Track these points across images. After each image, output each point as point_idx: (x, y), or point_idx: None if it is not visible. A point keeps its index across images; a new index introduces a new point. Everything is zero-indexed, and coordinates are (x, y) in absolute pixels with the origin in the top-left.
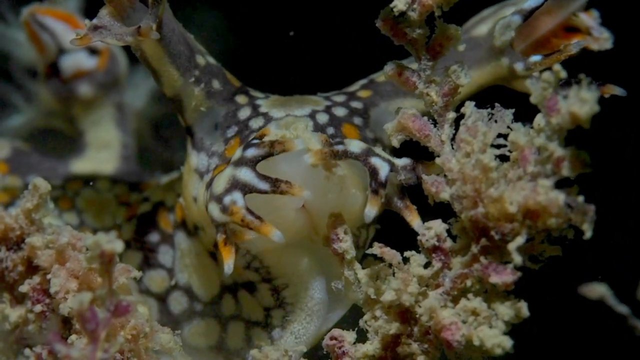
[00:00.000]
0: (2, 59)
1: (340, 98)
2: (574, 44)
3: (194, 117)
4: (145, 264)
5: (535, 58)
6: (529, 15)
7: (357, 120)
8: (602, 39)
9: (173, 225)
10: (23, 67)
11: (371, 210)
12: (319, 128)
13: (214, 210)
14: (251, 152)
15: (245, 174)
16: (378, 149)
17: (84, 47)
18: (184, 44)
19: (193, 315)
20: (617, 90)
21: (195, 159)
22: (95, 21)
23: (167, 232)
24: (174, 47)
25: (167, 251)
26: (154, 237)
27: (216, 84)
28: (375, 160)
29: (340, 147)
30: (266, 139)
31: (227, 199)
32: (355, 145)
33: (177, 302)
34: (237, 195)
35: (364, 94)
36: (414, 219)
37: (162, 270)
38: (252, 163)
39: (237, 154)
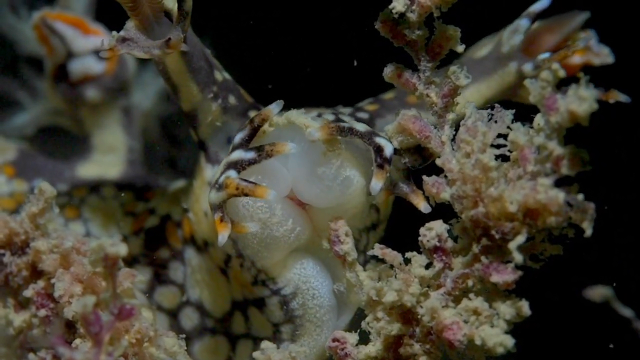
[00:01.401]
0: (9, 48)
1: (346, 110)
2: (582, 39)
3: (209, 132)
4: (155, 280)
5: (544, 55)
6: (536, 18)
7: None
8: (602, 54)
9: (182, 241)
10: (29, 58)
11: (377, 183)
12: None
13: (212, 193)
14: (239, 136)
15: (235, 154)
16: (382, 134)
17: (92, 52)
18: (204, 59)
19: (204, 331)
20: (622, 97)
21: (210, 173)
22: (122, 33)
23: (177, 248)
24: (196, 62)
25: (178, 267)
26: (164, 253)
27: (232, 99)
28: (379, 140)
29: (346, 125)
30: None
31: (222, 178)
32: (360, 125)
33: (188, 318)
34: (230, 172)
35: (370, 107)
36: (420, 202)
37: (173, 287)
38: (241, 145)
39: (231, 147)
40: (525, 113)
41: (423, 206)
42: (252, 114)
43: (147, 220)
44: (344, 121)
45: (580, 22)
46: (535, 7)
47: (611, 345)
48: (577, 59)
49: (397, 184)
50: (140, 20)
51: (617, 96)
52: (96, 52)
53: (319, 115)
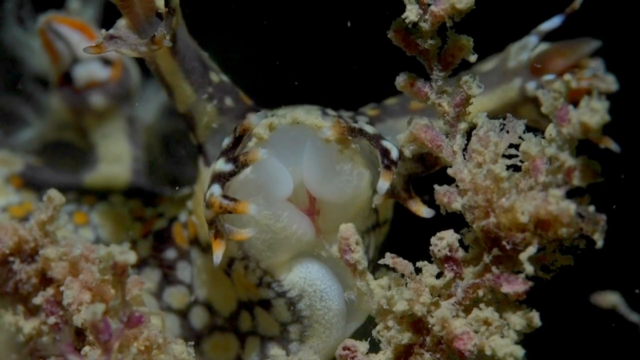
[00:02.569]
0: (15, 66)
1: (347, 113)
2: (589, 69)
3: (206, 134)
4: (164, 281)
5: (549, 77)
6: (545, 37)
7: None
8: (608, 82)
9: (188, 241)
10: (35, 75)
11: (384, 183)
12: (328, 114)
13: (204, 209)
14: (225, 142)
15: (218, 165)
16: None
17: (97, 58)
18: (198, 61)
19: (214, 330)
20: (612, 146)
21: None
22: (111, 31)
23: (184, 248)
24: (189, 62)
25: (185, 267)
26: (171, 254)
27: (229, 101)
28: (386, 143)
29: (356, 125)
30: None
31: (207, 195)
32: (369, 127)
33: (198, 317)
34: (214, 188)
35: (371, 112)
36: (419, 208)
37: (181, 287)
38: (224, 153)
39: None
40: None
41: (424, 211)
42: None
43: (156, 223)
44: (354, 121)
45: (591, 49)
46: (546, 26)
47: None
48: (583, 83)
49: (396, 188)
50: (131, 19)
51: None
52: (101, 58)
53: (324, 114)
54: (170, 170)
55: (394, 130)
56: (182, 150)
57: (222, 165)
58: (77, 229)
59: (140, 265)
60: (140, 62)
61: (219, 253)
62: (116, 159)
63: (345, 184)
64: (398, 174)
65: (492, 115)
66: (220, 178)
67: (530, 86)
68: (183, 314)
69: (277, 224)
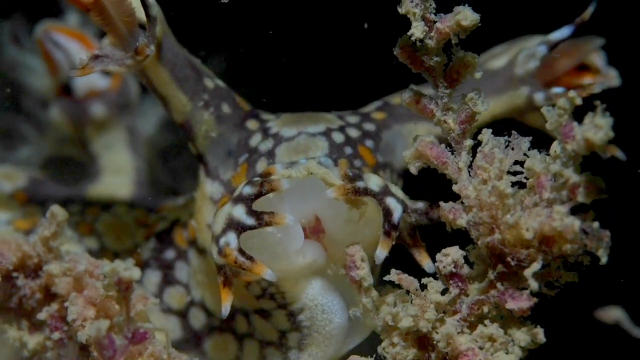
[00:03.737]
0: (14, 88)
1: (354, 119)
2: (598, 85)
3: (206, 145)
4: (164, 281)
5: (558, 90)
6: (554, 47)
7: (369, 143)
8: (611, 77)
9: (187, 241)
10: (35, 96)
11: (382, 252)
12: (336, 147)
13: (214, 252)
14: (247, 191)
15: (238, 212)
16: (395, 188)
17: None
18: (190, 68)
19: (212, 330)
20: (619, 154)
21: (210, 188)
22: (96, 51)
23: (182, 249)
24: (180, 71)
25: (183, 267)
26: (170, 254)
27: (226, 108)
28: (390, 202)
29: (361, 184)
30: (272, 178)
31: (222, 241)
32: (374, 183)
33: (196, 318)
34: (231, 237)
35: (378, 116)
36: (423, 260)
37: (180, 287)
38: (248, 201)
39: (238, 190)
40: (543, 144)
41: (427, 265)
42: (250, 124)
43: (158, 226)
44: (360, 176)
45: (595, 47)
46: (555, 36)
47: None
48: (586, 80)
49: (403, 233)
50: (115, 36)
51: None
52: None
53: (328, 131)
54: (168, 183)
55: (400, 136)
56: (179, 164)
57: (242, 216)
58: (82, 239)
59: (143, 267)
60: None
61: (227, 305)
62: (119, 170)
63: (354, 232)
64: (404, 221)
65: (499, 119)
66: (239, 227)
67: (539, 97)
68: (183, 314)
69: (292, 268)
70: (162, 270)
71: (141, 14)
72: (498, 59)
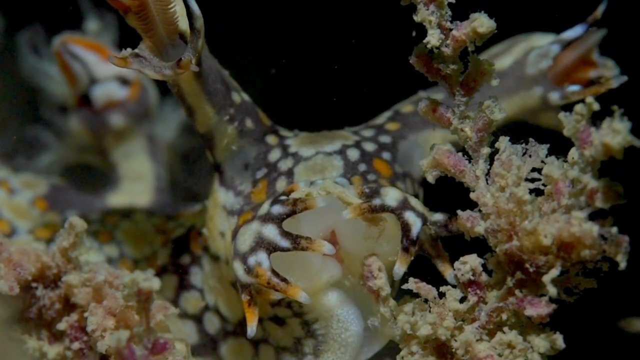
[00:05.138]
0: (34, 95)
1: (368, 132)
2: (615, 80)
3: (225, 156)
4: (180, 286)
5: (574, 88)
6: (567, 45)
7: (386, 155)
8: (608, 67)
9: (202, 247)
10: (54, 103)
11: (400, 268)
12: (350, 165)
13: (239, 269)
14: (277, 210)
15: (270, 232)
16: (414, 201)
17: (115, 78)
18: (220, 82)
19: (227, 334)
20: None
21: (223, 197)
22: (136, 50)
23: (197, 254)
24: (212, 84)
25: (198, 272)
26: (185, 259)
27: (249, 123)
28: (408, 216)
29: (377, 202)
30: (292, 195)
31: (251, 260)
32: (391, 198)
33: (211, 323)
34: (261, 256)
35: (392, 126)
36: (445, 270)
37: (195, 291)
38: (278, 220)
39: (265, 208)
40: (560, 150)
41: (449, 275)
42: (269, 139)
43: (175, 232)
44: (377, 191)
45: (598, 38)
46: (568, 34)
47: None
48: (592, 74)
49: (424, 245)
50: (154, 42)
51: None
52: (119, 78)
53: (343, 148)
54: (191, 187)
55: (416, 145)
56: (201, 167)
57: (275, 236)
58: (102, 246)
59: (160, 272)
60: (157, 80)
61: (253, 326)
62: (138, 177)
63: (370, 249)
64: (424, 233)
65: (511, 121)
66: (269, 247)
67: (554, 96)
68: (198, 319)
69: (310, 287)
70: (178, 275)
71: (183, 24)
72: (501, 58)
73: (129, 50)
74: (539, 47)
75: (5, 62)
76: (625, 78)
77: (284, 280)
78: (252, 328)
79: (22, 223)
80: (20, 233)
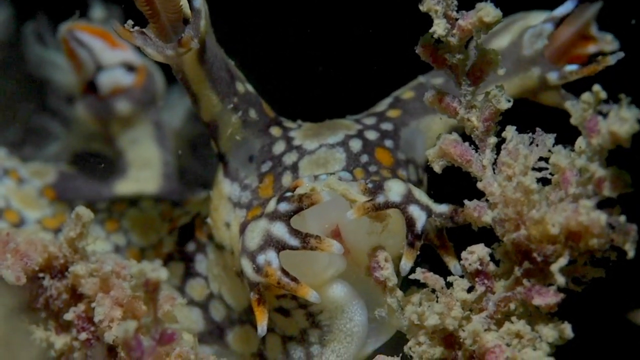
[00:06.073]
0: (40, 84)
1: (370, 120)
2: (612, 57)
3: (229, 146)
4: (186, 273)
5: (571, 67)
6: (559, 23)
7: (388, 143)
8: (607, 42)
9: (207, 235)
10: (61, 92)
11: (406, 263)
12: (352, 158)
13: (247, 268)
14: (283, 207)
15: (279, 230)
16: (418, 192)
17: (121, 64)
18: (225, 70)
19: (233, 322)
20: None
21: (229, 188)
22: (143, 29)
23: (202, 241)
24: (216, 72)
25: (202, 260)
26: (190, 246)
27: (253, 114)
28: (413, 210)
29: (380, 199)
30: (297, 191)
31: (260, 259)
32: (395, 193)
33: (217, 310)
34: (271, 255)
35: (393, 113)
36: (450, 260)
37: (200, 279)
38: (286, 217)
39: (272, 205)
40: (567, 139)
41: (454, 267)
42: (273, 130)
43: (181, 220)
44: (380, 186)
45: (594, 12)
46: (559, 11)
47: None
48: (591, 49)
49: (429, 235)
50: (157, 25)
51: None
52: (125, 64)
53: (346, 139)
54: (199, 173)
55: (418, 131)
56: (209, 152)
57: (284, 235)
58: (109, 235)
59: (166, 259)
60: (164, 67)
61: (263, 325)
62: (146, 163)
63: (377, 241)
64: (429, 224)
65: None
66: (278, 246)
67: (553, 76)
68: (204, 306)
69: (315, 282)
70: (184, 262)
71: (186, 8)
72: (498, 38)
73: (136, 27)
74: (532, 27)
75: (13, 51)
76: (622, 54)
77: (294, 279)
78: (262, 327)
79: (31, 212)
80: (29, 223)
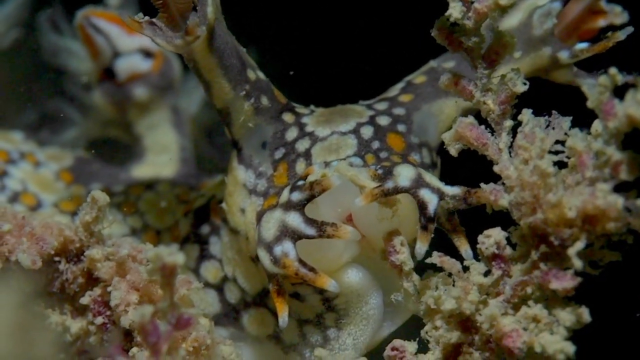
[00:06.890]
0: (57, 72)
1: (382, 105)
2: (622, 32)
3: (242, 133)
4: (200, 256)
5: (582, 45)
6: (567, 1)
7: (401, 127)
8: (616, 14)
9: (221, 217)
10: (78, 79)
11: (421, 247)
12: (364, 144)
13: (265, 259)
14: (296, 196)
15: (294, 220)
16: (429, 176)
17: (138, 50)
18: (236, 57)
19: (248, 304)
20: None
21: (243, 174)
22: (153, 19)
23: (216, 224)
24: (227, 59)
25: (217, 242)
26: (205, 229)
27: (265, 100)
28: (424, 193)
29: (389, 185)
30: (309, 178)
31: (277, 250)
32: (404, 177)
33: (231, 292)
34: (288, 246)
35: (405, 98)
36: (461, 245)
37: (215, 261)
38: (300, 207)
39: (285, 195)
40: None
41: (464, 251)
42: (286, 116)
43: (197, 202)
44: (390, 171)
45: None
46: None
47: None
48: (601, 22)
49: (441, 218)
50: (168, 17)
51: None
52: (142, 50)
53: (357, 126)
54: (215, 160)
55: (430, 115)
56: (224, 140)
57: (300, 224)
58: (126, 218)
59: (182, 242)
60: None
61: (284, 316)
62: (163, 148)
63: (386, 227)
64: (441, 207)
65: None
66: (294, 236)
67: (564, 55)
68: (219, 288)
69: (329, 268)
70: (199, 245)
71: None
72: (508, 16)
73: (146, 18)
74: (541, 7)
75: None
76: (631, 29)
77: (312, 270)
78: (283, 319)
79: (47, 196)
80: (45, 206)
